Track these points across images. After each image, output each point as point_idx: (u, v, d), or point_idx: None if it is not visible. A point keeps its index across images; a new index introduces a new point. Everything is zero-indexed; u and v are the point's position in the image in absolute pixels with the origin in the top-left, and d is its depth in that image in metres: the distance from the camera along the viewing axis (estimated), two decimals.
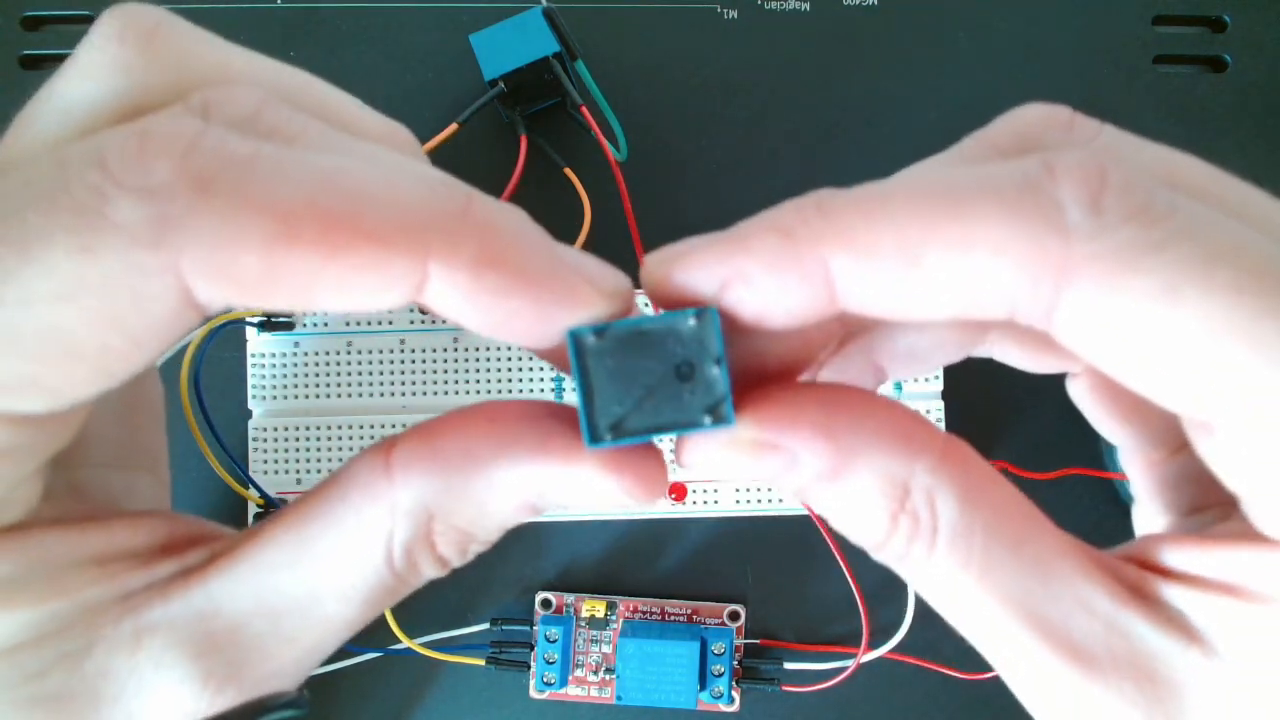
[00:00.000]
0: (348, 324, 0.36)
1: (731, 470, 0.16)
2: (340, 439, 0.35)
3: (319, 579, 0.16)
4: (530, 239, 0.15)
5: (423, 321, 0.36)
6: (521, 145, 0.35)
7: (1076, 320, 0.14)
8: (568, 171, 0.36)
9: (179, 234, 0.13)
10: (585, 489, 0.16)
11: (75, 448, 0.18)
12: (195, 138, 0.13)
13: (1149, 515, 0.22)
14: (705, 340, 0.15)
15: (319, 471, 0.35)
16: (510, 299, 0.14)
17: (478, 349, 0.36)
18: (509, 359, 0.36)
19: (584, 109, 0.35)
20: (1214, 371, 0.13)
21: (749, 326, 0.15)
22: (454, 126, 0.34)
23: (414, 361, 0.36)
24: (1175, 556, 0.16)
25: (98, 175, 0.13)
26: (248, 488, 0.34)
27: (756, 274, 0.14)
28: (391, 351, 0.36)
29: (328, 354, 0.35)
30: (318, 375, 0.35)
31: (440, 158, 0.18)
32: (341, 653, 0.33)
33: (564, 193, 0.36)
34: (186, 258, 0.13)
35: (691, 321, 0.15)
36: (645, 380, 0.15)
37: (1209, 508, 0.20)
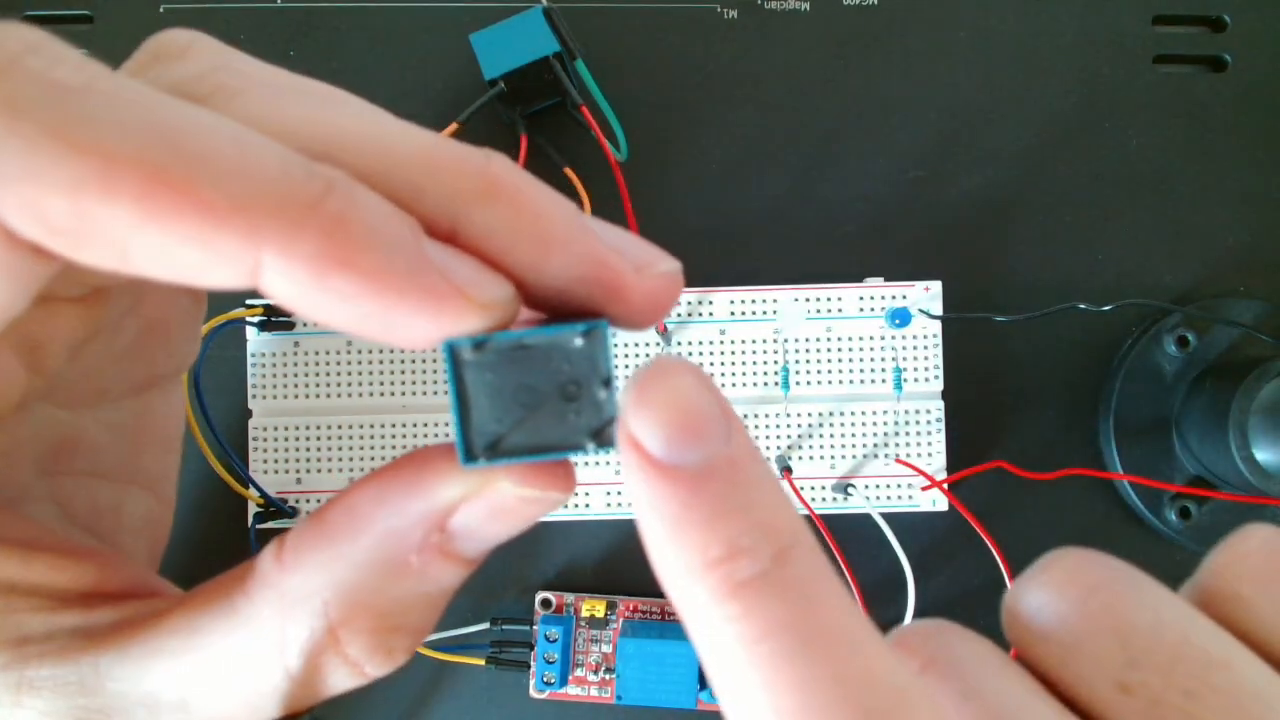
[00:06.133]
0: None
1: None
2: (340, 439, 0.35)
3: (203, 675, 0.15)
4: (391, 238, 0.13)
5: None
6: (521, 145, 0.35)
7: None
8: (568, 171, 0.36)
9: None
10: (480, 507, 0.15)
11: (62, 453, 0.18)
12: (19, 55, 0.12)
13: None
14: (594, 359, 0.14)
15: (319, 471, 0.35)
16: (358, 303, 0.13)
17: None
18: None
19: (584, 109, 0.35)
20: None
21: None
22: (454, 126, 0.34)
23: (414, 361, 0.36)
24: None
25: None
26: (248, 487, 0.34)
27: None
28: (391, 351, 0.35)
29: (328, 354, 0.35)
30: (318, 375, 0.35)
31: None
32: None
33: (564, 193, 0.36)
34: None
35: (579, 341, 0.14)
36: (527, 398, 0.14)
37: None
